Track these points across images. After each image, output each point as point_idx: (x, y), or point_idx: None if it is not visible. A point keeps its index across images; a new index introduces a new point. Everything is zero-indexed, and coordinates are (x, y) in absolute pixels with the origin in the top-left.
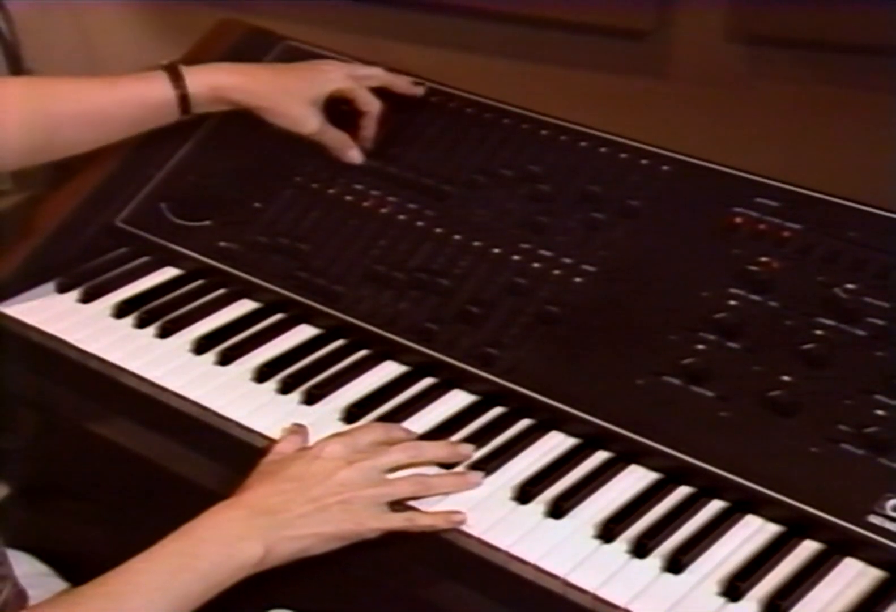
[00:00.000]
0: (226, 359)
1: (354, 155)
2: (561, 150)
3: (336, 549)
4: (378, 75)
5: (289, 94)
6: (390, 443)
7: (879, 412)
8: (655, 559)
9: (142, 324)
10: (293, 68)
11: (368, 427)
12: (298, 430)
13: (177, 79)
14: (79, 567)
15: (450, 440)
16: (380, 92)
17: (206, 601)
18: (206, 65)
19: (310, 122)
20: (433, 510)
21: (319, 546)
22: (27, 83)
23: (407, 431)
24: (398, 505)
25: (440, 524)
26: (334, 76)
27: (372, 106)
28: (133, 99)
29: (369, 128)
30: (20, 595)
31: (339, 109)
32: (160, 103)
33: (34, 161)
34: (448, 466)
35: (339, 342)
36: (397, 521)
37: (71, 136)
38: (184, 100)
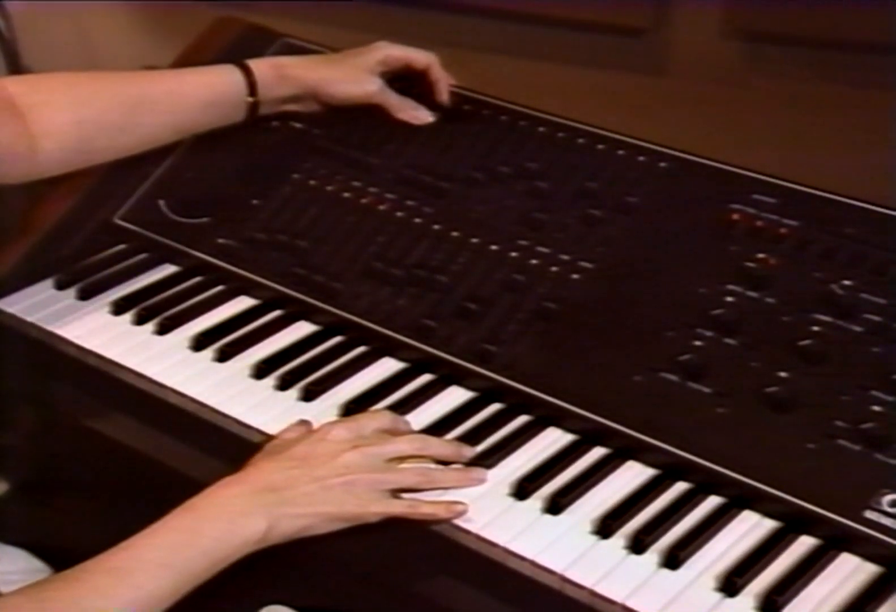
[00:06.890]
0: (224, 356)
1: (422, 114)
2: (558, 147)
3: (332, 545)
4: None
5: (345, 63)
6: (394, 433)
7: (876, 408)
8: (652, 555)
9: (140, 321)
10: (341, 52)
11: (375, 414)
12: (304, 424)
13: (240, 64)
14: (76, 564)
15: (454, 440)
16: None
17: (211, 576)
18: None
19: (371, 83)
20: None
21: (322, 526)
22: (98, 73)
23: (409, 425)
24: (398, 495)
25: (441, 513)
26: (381, 44)
27: (428, 59)
28: (204, 82)
29: (441, 81)
30: None
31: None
32: (230, 85)
33: (116, 149)
34: (446, 464)
35: (338, 339)
36: (399, 506)
37: (148, 120)
38: (251, 82)
